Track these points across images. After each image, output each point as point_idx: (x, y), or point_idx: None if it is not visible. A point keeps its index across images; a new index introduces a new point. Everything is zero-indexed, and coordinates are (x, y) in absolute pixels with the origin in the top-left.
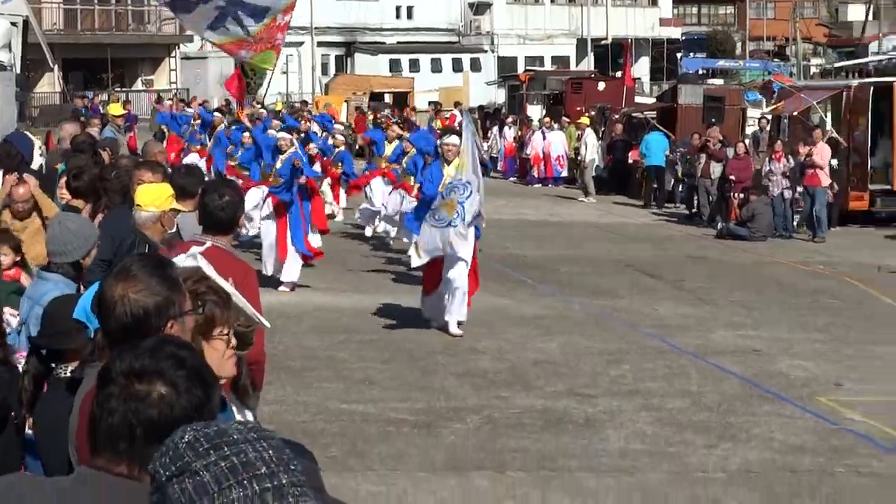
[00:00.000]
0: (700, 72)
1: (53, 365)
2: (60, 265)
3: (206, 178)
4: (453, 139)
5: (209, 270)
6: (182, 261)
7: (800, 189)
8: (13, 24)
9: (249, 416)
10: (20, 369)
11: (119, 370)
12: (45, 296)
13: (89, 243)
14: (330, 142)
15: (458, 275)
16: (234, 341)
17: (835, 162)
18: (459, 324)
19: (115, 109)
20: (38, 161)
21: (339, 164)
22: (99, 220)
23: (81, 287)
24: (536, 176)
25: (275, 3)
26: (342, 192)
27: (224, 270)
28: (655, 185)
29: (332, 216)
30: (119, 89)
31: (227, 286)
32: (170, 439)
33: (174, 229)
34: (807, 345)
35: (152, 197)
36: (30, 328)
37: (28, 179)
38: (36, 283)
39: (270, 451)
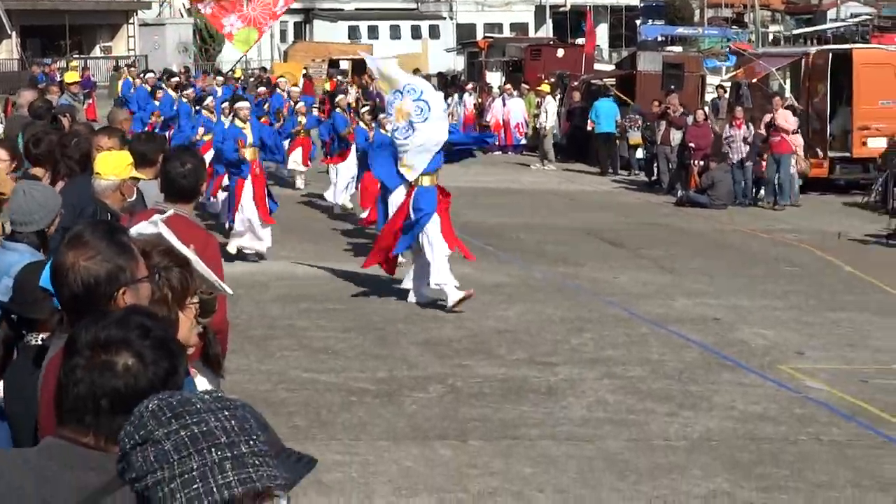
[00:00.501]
0: (659, 39)
1: (24, 332)
2: (25, 234)
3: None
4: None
5: (170, 237)
6: (143, 228)
7: (763, 157)
8: None
9: (204, 384)
10: None
11: (85, 341)
12: (12, 266)
13: (54, 212)
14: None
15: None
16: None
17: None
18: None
19: (71, 77)
20: None
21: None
22: (59, 189)
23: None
24: (496, 143)
25: None
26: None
27: (185, 238)
28: (631, 153)
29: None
30: (77, 56)
31: (188, 252)
32: (137, 408)
33: (134, 197)
34: (767, 312)
35: (112, 165)
36: None
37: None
38: (1, 253)
39: (232, 422)
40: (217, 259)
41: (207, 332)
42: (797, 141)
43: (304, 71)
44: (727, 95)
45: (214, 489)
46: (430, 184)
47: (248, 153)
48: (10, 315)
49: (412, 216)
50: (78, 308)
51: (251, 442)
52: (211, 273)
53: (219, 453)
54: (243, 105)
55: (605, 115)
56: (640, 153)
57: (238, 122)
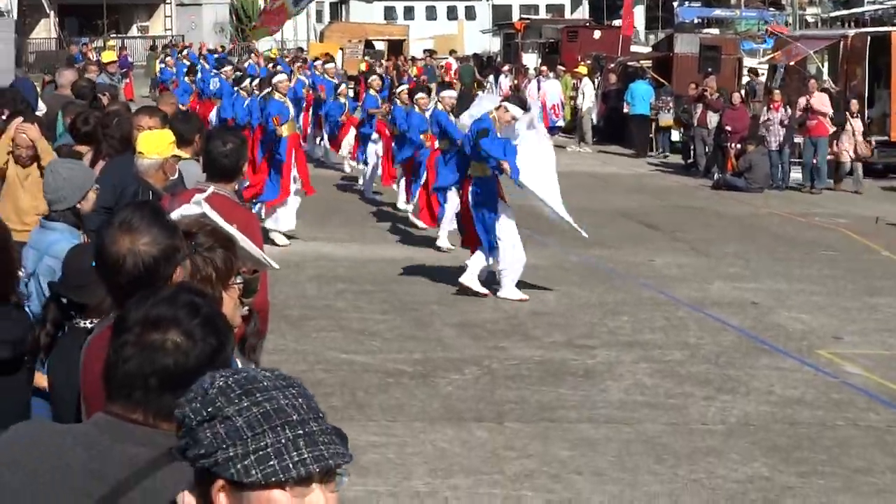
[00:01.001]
0: (696, 21)
1: (73, 313)
2: (62, 213)
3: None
4: (450, 92)
5: (214, 216)
6: (187, 209)
7: (799, 140)
8: None
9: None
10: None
11: (134, 319)
12: (52, 245)
13: (84, 188)
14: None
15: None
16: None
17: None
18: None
19: (108, 56)
20: (41, 107)
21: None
22: (100, 168)
23: (83, 235)
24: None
25: None
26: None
27: (227, 218)
28: (658, 135)
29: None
30: (114, 35)
31: (233, 230)
32: (198, 385)
33: (176, 176)
34: (805, 297)
35: (154, 144)
36: (39, 280)
37: (29, 127)
38: (39, 231)
39: (300, 399)
40: (258, 238)
41: (252, 316)
42: (857, 125)
43: (339, 51)
44: (761, 79)
45: (290, 466)
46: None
47: (286, 128)
48: (60, 298)
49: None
50: (136, 292)
51: (319, 420)
52: (256, 249)
53: (292, 431)
54: (282, 77)
55: (639, 98)
56: (675, 135)
57: (277, 96)
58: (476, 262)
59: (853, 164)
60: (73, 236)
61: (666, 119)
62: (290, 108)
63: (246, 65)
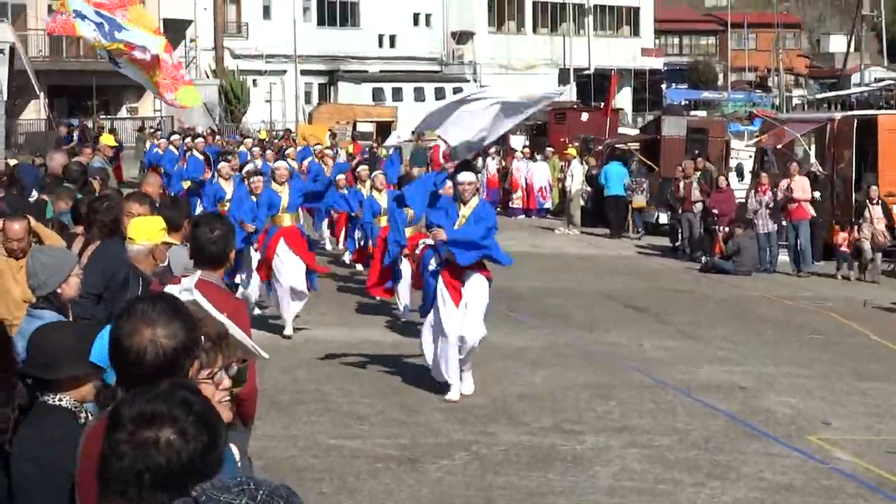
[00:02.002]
0: (683, 103)
1: (39, 393)
2: (45, 299)
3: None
4: (468, 176)
5: (205, 304)
6: (175, 293)
7: (783, 223)
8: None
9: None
10: None
11: (129, 415)
12: None
13: (63, 273)
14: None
15: (474, 330)
16: (227, 381)
17: (817, 194)
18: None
19: (108, 140)
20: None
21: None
22: (91, 252)
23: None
24: (520, 207)
25: (145, 40)
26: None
27: (216, 303)
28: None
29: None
30: (104, 116)
31: (224, 319)
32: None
33: (166, 262)
34: (793, 381)
35: (145, 230)
36: None
37: (30, 217)
38: (27, 320)
39: None
40: (247, 325)
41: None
42: (876, 213)
43: (328, 132)
44: (749, 161)
45: None
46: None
47: (287, 218)
48: (26, 378)
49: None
50: (150, 382)
51: None
52: (247, 338)
53: None
54: (280, 165)
55: (613, 179)
56: (663, 218)
57: (274, 185)
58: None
59: (874, 254)
60: None
61: (639, 200)
62: (283, 197)
63: (238, 149)
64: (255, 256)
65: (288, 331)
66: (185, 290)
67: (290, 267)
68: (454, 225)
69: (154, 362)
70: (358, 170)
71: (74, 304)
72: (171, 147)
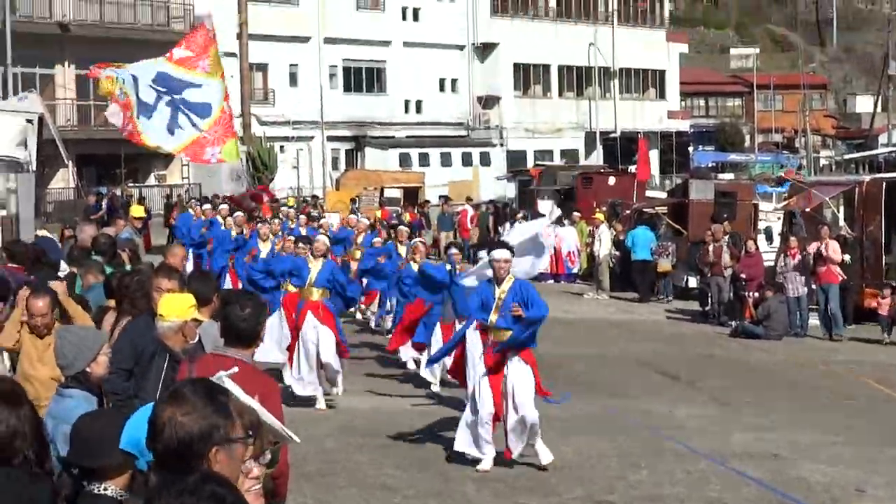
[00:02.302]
0: (710, 165)
1: (84, 483)
2: (74, 378)
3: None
4: (503, 253)
5: (236, 391)
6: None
7: (813, 286)
8: (29, 121)
9: None
10: None
11: None
12: (68, 412)
13: (91, 352)
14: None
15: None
16: (256, 470)
17: (847, 257)
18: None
19: (137, 212)
20: (63, 267)
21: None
22: (122, 327)
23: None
24: (548, 272)
25: (212, 97)
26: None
27: (248, 385)
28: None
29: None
30: (132, 185)
31: (254, 404)
32: None
33: (196, 339)
34: (826, 448)
35: (174, 307)
36: (57, 447)
37: (57, 286)
38: (57, 400)
39: None
40: (279, 406)
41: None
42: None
43: (355, 198)
44: (778, 224)
45: None
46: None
47: (315, 293)
48: (71, 468)
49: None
50: (169, 464)
51: None
52: (277, 422)
53: None
54: (322, 239)
55: (640, 243)
56: (692, 282)
57: (309, 257)
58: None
59: None
60: (89, 402)
61: (665, 264)
62: (311, 270)
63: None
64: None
65: (321, 404)
66: (217, 379)
67: (321, 342)
68: (492, 309)
69: (168, 441)
70: (399, 228)
71: (105, 380)
72: (202, 216)
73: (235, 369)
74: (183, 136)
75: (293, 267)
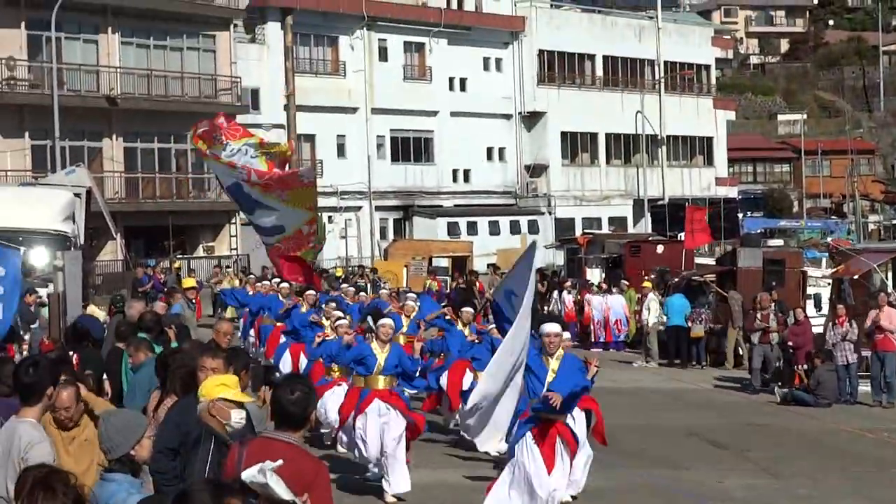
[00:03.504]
0: (760, 231)
1: None
2: (119, 462)
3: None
4: (554, 327)
5: (280, 489)
6: (254, 475)
7: (866, 353)
8: (77, 195)
9: None
10: None
11: None
12: (112, 496)
13: (136, 435)
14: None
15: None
16: None
17: None
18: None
19: (189, 283)
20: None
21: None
22: (168, 407)
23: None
24: (595, 340)
25: (286, 219)
26: None
27: (294, 469)
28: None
29: None
30: (180, 256)
31: (297, 500)
32: None
33: (231, 420)
34: None
35: (207, 386)
36: None
37: (80, 385)
38: (100, 485)
39: None
40: (327, 490)
41: None
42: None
43: (404, 268)
44: (826, 290)
45: None
46: None
47: (381, 381)
48: None
49: None
50: None
51: None
52: None
53: None
54: (387, 322)
55: (675, 311)
56: (741, 349)
57: (374, 344)
58: None
59: None
60: (133, 486)
61: (697, 330)
62: (378, 357)
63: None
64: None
65: (389, 499)
66: (261, 471)
67: (389, 428)
68: (545, 380)
69: None
70: (463, 310)
71: (151, 460)
72: (248, 287)
73: (280, 462)
74: (278, 234)
75: (359, 355)
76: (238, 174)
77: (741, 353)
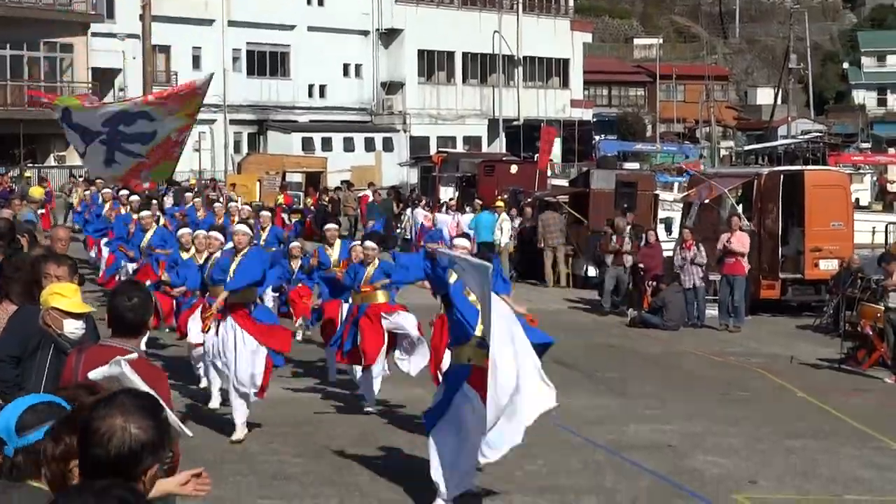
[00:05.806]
0: (615, 154)
1: None
2: None
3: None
4: (463, 241)
5: (136, 380)
6: (105, 371)
7: (714, 277)
8: None
9: None
10: None
11: None
12: None
13: None
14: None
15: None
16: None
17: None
18: None
19: (37, 193)
20: None
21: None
22: (11, 315)
23: None
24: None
25: (162, 127)
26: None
27: (140, 374)
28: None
29: None
30: (31, 165)
31: (153, 393)
32: None
33: (64, 330)
34: (720, 439)
35: (45, 293)
36: None
37: None
38: None
39: None
40: (168, 397)
41: None
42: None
43: (257, 183)
44: (678, 215)
45: None
46: None
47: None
48: None
49: None
50: (110, 472)
51: None
52: (174, 417)
53: None
54: (239, 229)
55: (483, 227)
56: (591, 271)
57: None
58: None
59: None
60: None
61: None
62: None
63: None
64: None
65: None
66: (114, 363)
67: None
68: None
69: (118, 448)
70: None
71: None
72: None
73: (135, 354)
74: (120, 168)
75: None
76: (132, 104)
77: (587, 274)
